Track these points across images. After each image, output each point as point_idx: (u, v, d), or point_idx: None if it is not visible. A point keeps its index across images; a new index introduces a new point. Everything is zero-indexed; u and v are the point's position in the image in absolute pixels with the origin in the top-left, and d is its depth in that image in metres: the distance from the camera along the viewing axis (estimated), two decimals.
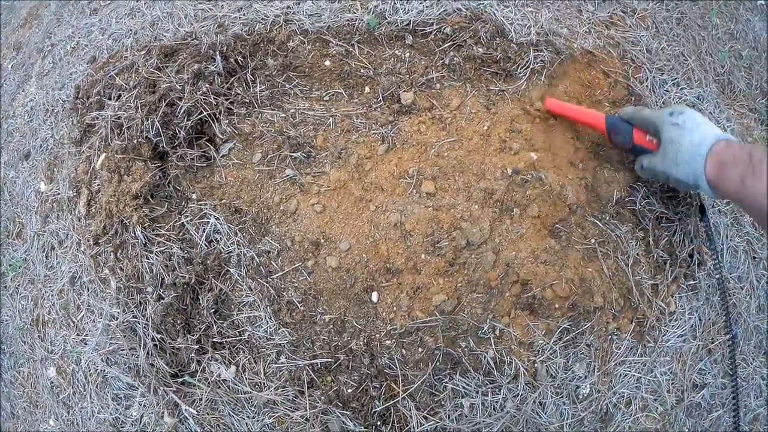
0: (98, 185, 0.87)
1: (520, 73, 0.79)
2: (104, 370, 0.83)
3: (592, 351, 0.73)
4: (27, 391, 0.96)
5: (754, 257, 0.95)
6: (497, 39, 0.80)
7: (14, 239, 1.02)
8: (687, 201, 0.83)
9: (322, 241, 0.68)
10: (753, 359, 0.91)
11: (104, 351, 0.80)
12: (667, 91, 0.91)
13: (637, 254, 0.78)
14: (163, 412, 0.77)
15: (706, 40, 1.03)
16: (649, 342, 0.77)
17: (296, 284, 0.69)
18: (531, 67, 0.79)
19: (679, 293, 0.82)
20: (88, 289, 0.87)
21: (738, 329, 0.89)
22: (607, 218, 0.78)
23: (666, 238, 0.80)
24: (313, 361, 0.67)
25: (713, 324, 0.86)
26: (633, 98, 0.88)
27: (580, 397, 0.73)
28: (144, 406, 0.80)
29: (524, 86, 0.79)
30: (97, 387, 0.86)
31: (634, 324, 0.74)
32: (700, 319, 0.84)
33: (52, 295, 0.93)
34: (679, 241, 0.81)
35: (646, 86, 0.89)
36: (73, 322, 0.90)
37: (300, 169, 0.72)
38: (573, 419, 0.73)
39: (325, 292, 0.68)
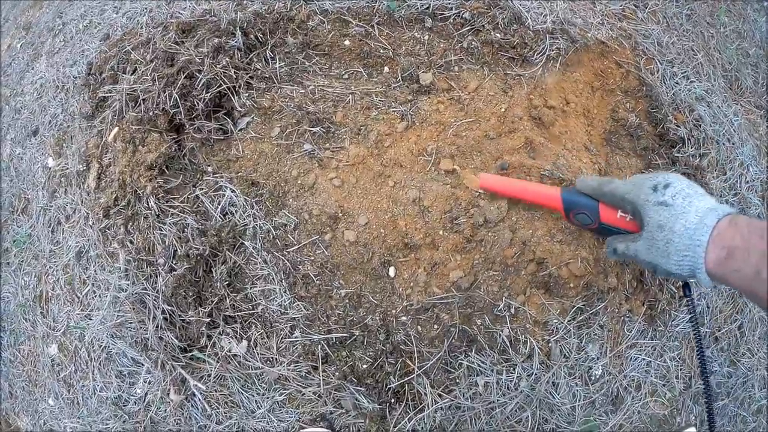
0: (110, 158, 0.86)
1: (536, 59, 0.80)
2: (109, 346, 0.82)
3: (605, 332, 0.73)
4: (26, 370, 0.94)
5: None
6: (514, 25, 0.81)
7: (19, 215, 1.00)
8: (701, 185, 0.84)
9: (340, 215, 0.68)
10: (757, 350, 0.92)
11: (111, 324, 0.79)
12: (677, 83, 0.93)
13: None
14: (169, 389, 0.76)
15: (714, 37, 1.06)
16: (659, 326, 0.78)
17: (313, 258, 0.68)
18: (547, 53, 0.80)
19: None
20: (95, 263, 0.85)
21: (744, 319, 0.90)
22: None
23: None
24: (328, 336, 0.66)
25: (720, 312, 0.87)
26: (644, 88, 0.89)
27: (593, 378, 0.73)
28: (149, 383, 0.79)
29: (540, 72, 0.80)
30: (100, 364, 0.84)
31: (645, 306, 0.75)
32: (708, 306, 0.85)
33: (56, 271, 0.91)
34: None
35: (657, 77, 0.91)
36: (78, 297, 0.88)
37: (319, 144, 0.72)
38: (585, 401, 0.73)
39: (341, 266, 0.68)
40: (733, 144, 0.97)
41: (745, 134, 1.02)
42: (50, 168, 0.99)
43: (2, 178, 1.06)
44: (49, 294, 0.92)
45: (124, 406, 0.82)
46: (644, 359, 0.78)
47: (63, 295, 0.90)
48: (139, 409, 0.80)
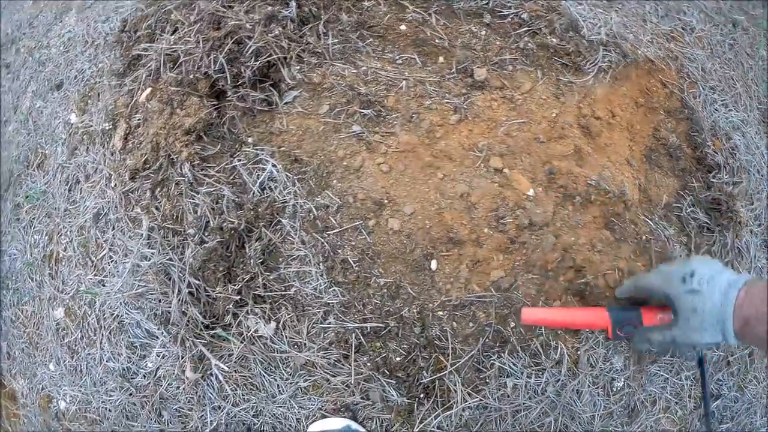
0: (139, 119, 0.83)
1: (588, 68, 0.80)
2: (122, 315, 0.78)
3: (631, 346, 0.73)
4: (28, 331, 0.89)
5: None
6: (570, 32, 0.81)
7: (34, 170, 0.95)
8: (728, 215, 0.86)
9: (386, 202, 0.67)
10: (763, 378, 0.94)
11: (129, 294, 0.76)
12: (716, 110, 0.95)
13: (680, 256, 0.80)
14: (185, 366, 0.73)
15: (753, 69, 1.08)
16: None
17: (353, 243, 0.67)
18: (599, 64, 0.80)
19: None
20: (114, 227, 0.82)
21: (755, 348, 0.92)
22: (656, 219, 0.79)
23: (706, 247, 0.83)
24: (363, 325, 0.65)
25: None
26: (686, 111, 0.90)
27: (614, 390, 0.74)
28: (162, 357, 0.76)
29: (591, 82, 0.80)
30: (110, 333, 0.80)
31: None
32: None
33: (70, 231, 0.87)
34: (717, 251, 0.84)
35: (699, 101, 0.92)
36: (92, 261, 0.84)
37: (368, 126, 0.70)
38: (604, 411, 0.73)
39: (382, 255, 0.66)
40: (762, 176, 0.99)
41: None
42: (72, 124, 0.94)
43: (20, 131, 1.00)
44: (61, 255, 0.88)
45: (132, 378, 0.79)
46: (662, 375, 0.79)
47: (75, 258, 0.86)
48: (149, 383, 0.77)
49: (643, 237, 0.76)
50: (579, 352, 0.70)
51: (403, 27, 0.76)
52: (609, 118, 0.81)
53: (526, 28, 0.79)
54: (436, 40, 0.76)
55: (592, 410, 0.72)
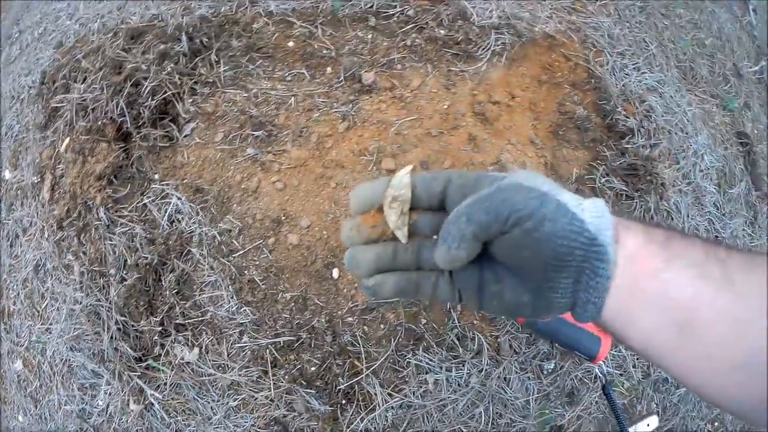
0: (62, 169, 0.86)
1: (480, 54, 0.80)
2: (69, 359, 0.82)
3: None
4: None
5: (716, 236, 0.98)
6: (459, 21, 0.81)
7: None
8: (647, 179, 0.85)
9: (283, 218, 0.68)
10: None
11: (69, 337, 0.79)
12: (627, 75, 0.94)
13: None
14: (128, 400, 0.76)
15: (668, 28, 1.07)
16: None
17: (257, 262, 0.69)
18: (492, 49, 0.81)
19: None
20: (52, 276, 0.85)
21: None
22: None
23: (625, 215, 0.82)
24: (275, 340, 0.67)
25: None
26: (593, 80, 0.90)
27: (545, 372, 0.74)
28: (109, 394, 0.79)
29: (484, 67, 0.80)
30: (62, 377, 0.84)
31: None
32: None
33: (17, 285, 0.91)
34: (640, 217, 0.83)
35: (607, 69, 0.91)
36: (38, 311, 0.88)
37: (261, 147, 0.72)
38: (539, 394, 0.73)
39: (286, 270, 0.68)
40: (687, 134, 0.97)
41: (699, 123, 1.03)
42: (7, 180, 0.98)
43: None
44: (11, 309, 0.92)
45: (88, 418, 0.82)
46: None
47: (24, 310, 0.90)
48: (103, 420, 0.80)
49: None
50: (499, 340, 0.70)
51: (291, 43, 0.78)
52: (508, 100, 0.81)
53: (412, 25, 0.80)
54: (324, 51, 0.78)
55: (524, 395, 0.73)
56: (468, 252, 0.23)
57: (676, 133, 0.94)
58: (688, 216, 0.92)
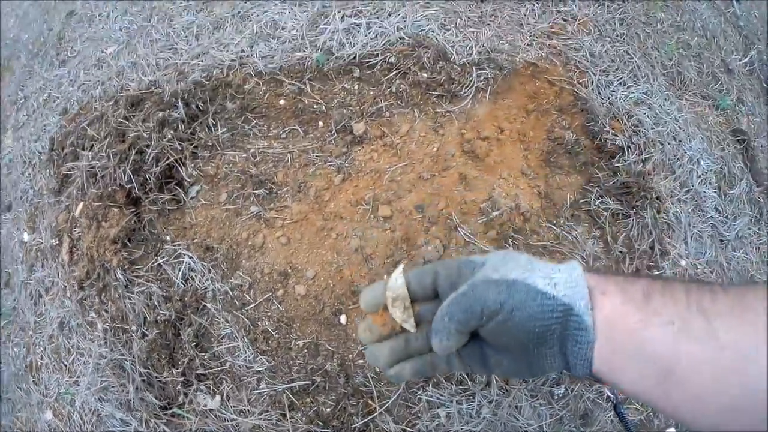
0: (78, 232, 0.91)
1: (464, 92, 0.83)
2: (98, 409, 0.87)
3: None
4: None
5: (721, 240, 0.98)
6: (440, 62, 0.84)
7: (2, 288, 1.06)
8: (641, 195, 0.87)
9: (290, 270, 0.72)
10: None
11: (96, 389, 0.84)
12: (613, 91, 0.96)
13: (596, 251, 0.82)
14: None
15: (651, 36, 1.08)
16: None
17: (269, 313, 0.73)
18: (475, 85, 0.84)
19: None
20: (76, 333, 0.91)
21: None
22: (562, 221, 0.82)
23: (624, 233, 0.84)
24: (291, 385, 0.71)
25: None
26: (579, 102, 0.92)
27: (556, 397, 0.76)
28: None
29: (470, 105, 0.83)
30: (92, 426, 0.89)
31: None
32: None
33: (43, 341, 0.97)
34: (637, 234, 0.85)
35: (592, 89, 0.93)
36: (65, 365, 0.93)
37: (264, 204, 0.76)
38: (551, 419, 0.76)
39: (296, 319, 0.72)
40: (680, 141, 0.98)
41: (692, 128, 1.04)
42: (26, 242, 1.04)
43: None
44: (39, 363, 0.98)
45: None
46: None
47: (51, 364, 0.95)
48: None
49: (548, 244, 0.79)
50: None
51: (282, 101, 0.82)
52: (497, 134, 0.84)
53: (395, 71, 0.83)
54: (314, 107, 0.81)
55: (537, 421, 0.75)
56: (456, 342, 0.27)
57: (668, 143, 0.95)
58: (690, 225, 0.93)
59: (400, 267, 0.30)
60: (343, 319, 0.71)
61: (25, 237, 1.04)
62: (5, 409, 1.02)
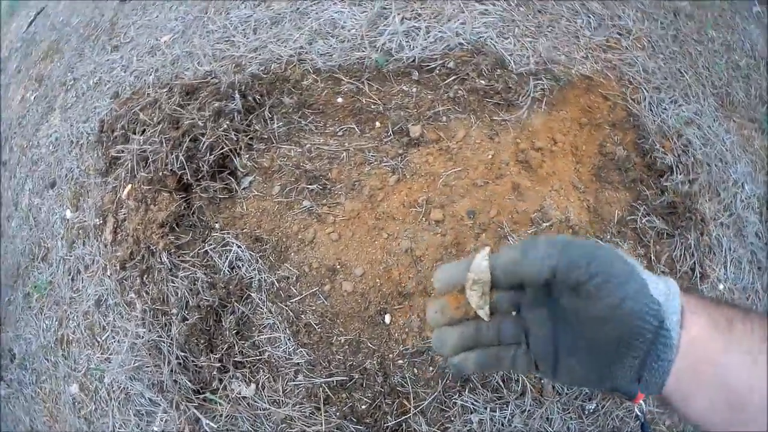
0: (124, 214, 0.93)
1: (521, 102, 0.83)
2: (127, 387, 0.88)
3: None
4: (48, 407, 1.01)
5: (759, 267, 0.96)
6: (498, 70, 0.84)
7: (39, 262, 1.08)
8: (686, 216, 0.86)
9: (338, 267, 0.73)
10: None
11: (129, 367, 0.85)
12: (665, 110, 0.95)
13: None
14: (184, 428, 0.81)
15: (702, 54, 1.06)
16: None
17: (314, 307, 0.73)
18: (531, 95, 0.83)
19: None
20: (113, 311, 0.92)
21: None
22: (609, 237, 0.81)
23: (667, 254, 0.83)
24: (329, 379, 0.71)
25: None
26: (632, 119, 0.91)
27: (587, 412, 0.76)
28: (165, 421, 0.84)
29: (525, 115, 0.83)
30: (119, 403, 0.90)
31: None
32: None
33: (77, 316, 0.98)
34: (680, 255, 0.84)
35: (644, 106, 0.93)
36: (98, 342, 0.95)
37: (316, 200, 0.76)
38: None
39: (341, 315, 0.72)
40: (726, 163, 0.97)
41: (738, 151, 1.02)
42: (68, 220, 1.06)
43: (22, 226, 1.14)
44: (70, 337, 0.99)
45: None
46: None
47: (83, 339, 0.97)
48: None
49: None
50: (542, 381, 0.73)
51: (340, 99, 0.83)
52: (551, 146, 0.83)
53: (454, 77, 0.83)
54: (372, 107, 0.82)
55: None
56: (540, 265, 0.24)
57: (715, 165, 0.94)
58: (730, 249, 0.91)
59: (486, 249, 0.27)
60: (387, 318, 0.71)
61: (68, 214, 1.06)
62: (29, 379, 1.04)
